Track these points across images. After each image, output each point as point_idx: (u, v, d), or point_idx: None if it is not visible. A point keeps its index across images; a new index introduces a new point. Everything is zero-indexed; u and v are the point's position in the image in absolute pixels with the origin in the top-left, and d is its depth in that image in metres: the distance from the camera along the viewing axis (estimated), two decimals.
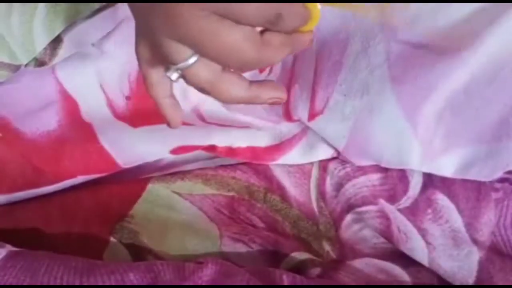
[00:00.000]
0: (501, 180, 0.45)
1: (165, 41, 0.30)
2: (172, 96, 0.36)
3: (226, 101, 0.34)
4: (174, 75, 0.32)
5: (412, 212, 0.46)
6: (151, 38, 0.31)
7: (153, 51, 0.32)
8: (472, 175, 0.44)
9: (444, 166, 0.44)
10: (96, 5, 0.41)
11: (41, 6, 0.40)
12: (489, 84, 0.40)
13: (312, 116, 0.46)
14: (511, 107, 0.40)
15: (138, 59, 0.34)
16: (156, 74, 0.34)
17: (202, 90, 0.33)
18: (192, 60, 0.31)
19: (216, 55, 0.30)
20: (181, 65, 0.31)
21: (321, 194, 0.50)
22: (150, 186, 0.48)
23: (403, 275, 0.48)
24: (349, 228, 0.49)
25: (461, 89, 0.41)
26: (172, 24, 0.29)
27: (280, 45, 0.32)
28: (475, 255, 0.45)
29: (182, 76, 0.32)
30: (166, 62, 0.32)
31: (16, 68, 0.41)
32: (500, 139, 0.42)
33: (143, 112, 0.47)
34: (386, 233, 0.47)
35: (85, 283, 0.39)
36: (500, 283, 0.45)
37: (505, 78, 0.40)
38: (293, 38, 0.33)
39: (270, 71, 0.45)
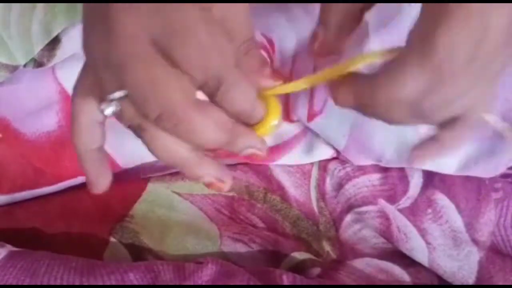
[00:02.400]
0: (504, 176, 0.45)
1: (101, 63, 0.27)
2: (101, 150, 0.32)
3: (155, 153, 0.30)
4: (109, 109, 0.28)
5: (412, 212, 0.46)
6: (92, 61, 0.28)
7: (92, 78, 0.29)
8: (475, 172, 0.44)
9: (446, 164, 0.44)
10: None
11: (39, 6, 0.40)
12: None
13: (311, 116, 0.46)
14: None
15: (74, 87, 0.31)
16: (88, 112, 0.30)
17: (134, 132, 0.29)
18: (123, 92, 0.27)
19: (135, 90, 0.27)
20: (114, 95, 0.27)
21: (321, 194, 0.50)
22: (150, 186, 0.48)
23: (403, 275, 0.48)
24: (349, 228, 0.49)
25: None
26: (107, 42, 0.27)
27: (218, 121, 0.29)
28: (475, 255, 0.45)
29: (117, 113, 0.28)
30: (101, 91, 0.29)
31: (14, 69, 0.41)
32: (502, 135, 0.42)
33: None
34: (386, 233, 0.47)
35: (85, 283, 0.39)
36: (500, 283, 0.45)
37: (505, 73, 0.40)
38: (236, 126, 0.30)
39: None
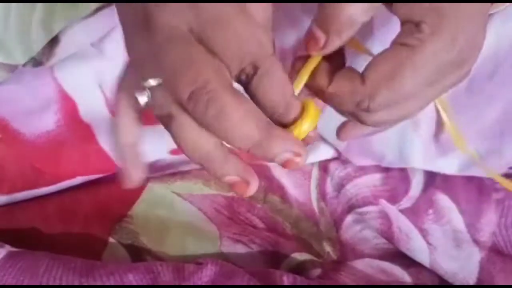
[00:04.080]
0: (505, 176, 0.45)
1: (139, 53, 0.28)
2: (138, 145, 0.32)
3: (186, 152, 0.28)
4: (143, 98, 0.27)
5: (413, 213, 0.46)
6: (134, 59, 0.29)
7: (136, 75, 0.29)
8: (476, 172, 0.44)
9: (447, 164, 0.44)
10: (95, 5, 0.41)
11: (39, 6, 0.39)
12: (490, 80, 0.40)
13: None
14: None
15: (118, 85, 0.31)
16: (127, 107, 0.31)
17: (162, 122, 0.28)
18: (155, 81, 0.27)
19: (166, 76, 0.26)
20: (149, 81, 0.27)
21: (322, 195, 0.49)
22: (149, 186, 0.48)
23: (404, 276, 0.48)
24: (350, 229, 0.49)
25: (463, 86, 0.41)
26: (148, 37, 0.27)
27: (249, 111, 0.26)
28: (476, 256, 0.45)
29: (150, 102, 0.27)
30: (138, 81, 0.28)
31: (13, 68, 0.41)
32: (503, 135, 0.42)
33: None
34: (387, 233, 0.47)
35: (84, 284, 0.39)
36: (501, 283, 0.45)
37: (505, 72, 0.40)
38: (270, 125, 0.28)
39: None
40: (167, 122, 0.28)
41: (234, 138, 0.26)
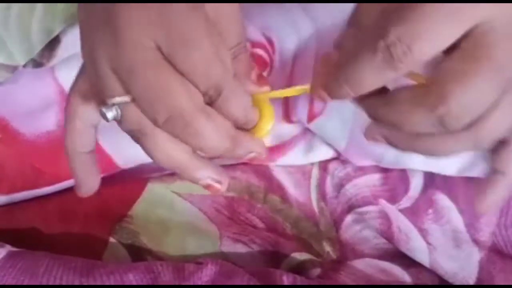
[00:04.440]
0: None
1: (105, 68, 0.28)
2: (93, 153, 0.33)
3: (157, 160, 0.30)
4: (111, 113, 0.29)
5: (413, 212, 0.46)
6: (93, 65, 0.29)
7: (92, 81, 0.30)
8: (477, 173, 0.44)
9: (447, 165, 0.44)
10: None
11: (39, 6, 0.39)
12: None
13: (311, 117, 0.46)
14: None
15: (71, 88, 0.31)
16: (84, 115, 0.31)
17: (133, 137, 0.30)
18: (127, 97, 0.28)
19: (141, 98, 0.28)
20: (117, 99, 0.28)
21: (322, 195, 0.49)
22: (149, 186, 0.48)
23: (404, 276, 0.48)
24: (350, 229, 0.49)
25: None
26: (114, 48, 0.27)
27: (221, 125, 0.30)
28: (476, 256, 0.45)
29: (117, 117, 0.29)
30: (102, 95, 0.29)
31: (13, 69, 0.41)
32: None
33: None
34: (387, 233, 0.47)
35: (85, 283, 0.39)
36: (501, 283, 0.45)
37: None
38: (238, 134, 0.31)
39: (270, 72, 0.45)
40: (138, 137, 0.30)
41: (208, 149, 0.30)
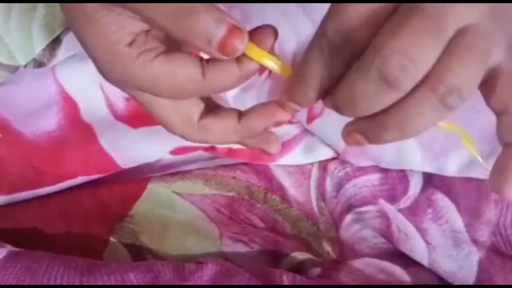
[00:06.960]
0: None
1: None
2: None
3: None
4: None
5: (412, 212, 0.46)
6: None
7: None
8: (476, 173, 0.44)
9: (446, 166, 0.44)
10: None
11: (40, 6, 0.39)
12: None
13: (310, 118, 0.46)
14: None
15: None
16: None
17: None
18: None
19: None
20: None
21: (321, 194, 0.50)
22: (150, 186, 0.48)
23: (403, 275, 0.48)
24: (349, 228, 0.49)
25: None
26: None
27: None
28: (475, 255, 0.45)
29: None
30: None
31: (14, 69, 0.41)
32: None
33: (143, 113, 0.47)
34: (386, 233, 0.47)
35: (85, 283, 0.39)
36: (500, 283, 0.45)
37: None
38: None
39: (270, 73, 0.45)
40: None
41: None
